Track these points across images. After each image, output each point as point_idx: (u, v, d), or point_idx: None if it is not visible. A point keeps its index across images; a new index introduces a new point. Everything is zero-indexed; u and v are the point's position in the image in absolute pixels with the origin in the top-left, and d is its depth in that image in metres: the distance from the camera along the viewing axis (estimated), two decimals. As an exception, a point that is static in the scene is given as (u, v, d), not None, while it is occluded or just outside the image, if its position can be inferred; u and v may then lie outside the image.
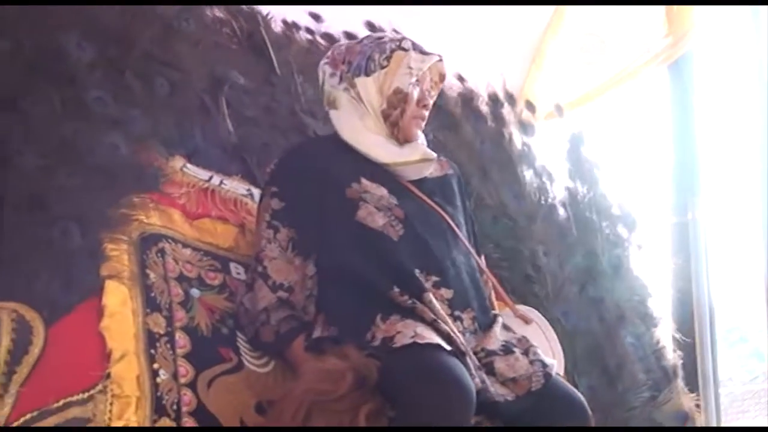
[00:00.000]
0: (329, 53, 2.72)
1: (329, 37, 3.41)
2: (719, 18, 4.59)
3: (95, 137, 2.54)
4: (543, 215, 3.42)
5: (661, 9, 4.52)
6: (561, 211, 3.51)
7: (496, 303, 2.79)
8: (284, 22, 3.39)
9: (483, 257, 2.84)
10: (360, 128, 2.62)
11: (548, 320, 3.11)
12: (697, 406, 3.59)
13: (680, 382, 3.43)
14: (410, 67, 2.60)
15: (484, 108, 3.61)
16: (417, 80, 2.61)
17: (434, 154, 2.66)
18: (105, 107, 2.62)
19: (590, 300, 3.37)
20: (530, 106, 3.74)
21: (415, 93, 2.61)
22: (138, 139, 2.67)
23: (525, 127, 3.66)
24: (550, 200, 3.51)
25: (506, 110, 3.66)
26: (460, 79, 3.70)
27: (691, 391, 3.54)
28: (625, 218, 3.65)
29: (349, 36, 3.29)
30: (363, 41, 2.71)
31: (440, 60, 2.67)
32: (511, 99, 3.71)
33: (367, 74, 2.61)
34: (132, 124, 2.67)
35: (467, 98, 3.56)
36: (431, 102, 2.67)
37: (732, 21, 4.73)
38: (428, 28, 3.60)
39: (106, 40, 2.70)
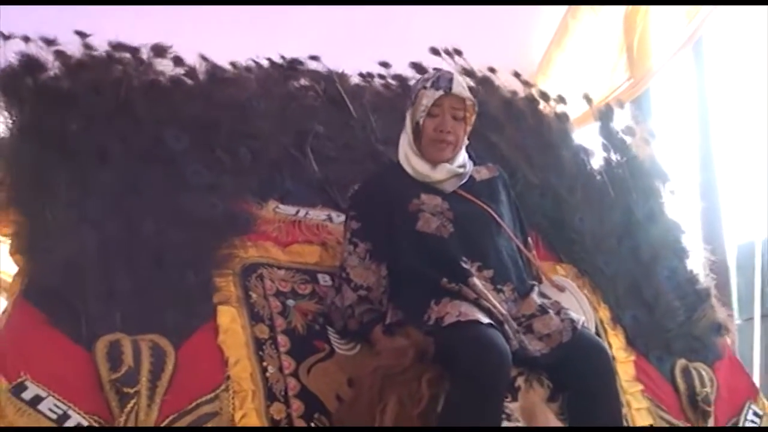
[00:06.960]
0: None
1: (399, 77, 3.61)
2: (674, 61, 4.79)
3: (196, 200, 2.87)
4: (582, 185, 3.51)
5: (623, 56, 4.82)
6: (599, 178, 3.59)
7: (542, 273, 2.95)
8: (360, 74, 3.60)
9: (530, 238, 3.03)
10: (407, 152, 2.86)
11: (592, 270, 3.33)
12: (730, 316, 3.63)
13: (713, 301, 3.46)
14: (423, 104, 2.77)
15: (524, 107, 3.71)
16: (429, 113, 2.76)
17: (461, 170, 2.83)
18: (201, 177, 2.93)
19: (628, 248, 3.45)
20: (561, 99, 3.82)
21: (430, 123, 2.77)
22: (233, 196, 2.97)
23: (559, 117, 3.76)
24: (588, 171, 3.60)
25: (542, 105, 3.76)
26: (527, 84, 3.86)
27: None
28: (657, 172, 3.69)
29: (415, 66, 3.51)
30: (419, 79, 2.94)
31: (445, 94, 2.76)
32: (544, 96, 3.80)
33: (407, 108, 2.85)
34: (225, 185, 2.97)
35: (507, 102, 3.67)
36: (449, 125, 2.78)
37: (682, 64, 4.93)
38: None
39: (196, 128, 3.02)
